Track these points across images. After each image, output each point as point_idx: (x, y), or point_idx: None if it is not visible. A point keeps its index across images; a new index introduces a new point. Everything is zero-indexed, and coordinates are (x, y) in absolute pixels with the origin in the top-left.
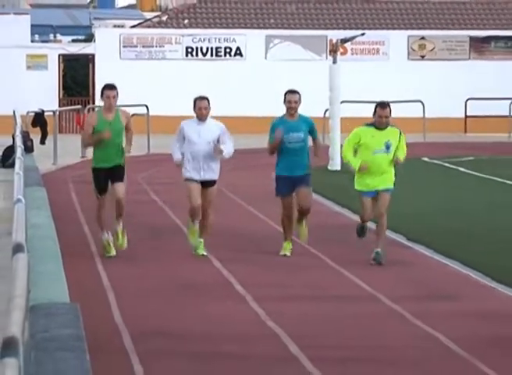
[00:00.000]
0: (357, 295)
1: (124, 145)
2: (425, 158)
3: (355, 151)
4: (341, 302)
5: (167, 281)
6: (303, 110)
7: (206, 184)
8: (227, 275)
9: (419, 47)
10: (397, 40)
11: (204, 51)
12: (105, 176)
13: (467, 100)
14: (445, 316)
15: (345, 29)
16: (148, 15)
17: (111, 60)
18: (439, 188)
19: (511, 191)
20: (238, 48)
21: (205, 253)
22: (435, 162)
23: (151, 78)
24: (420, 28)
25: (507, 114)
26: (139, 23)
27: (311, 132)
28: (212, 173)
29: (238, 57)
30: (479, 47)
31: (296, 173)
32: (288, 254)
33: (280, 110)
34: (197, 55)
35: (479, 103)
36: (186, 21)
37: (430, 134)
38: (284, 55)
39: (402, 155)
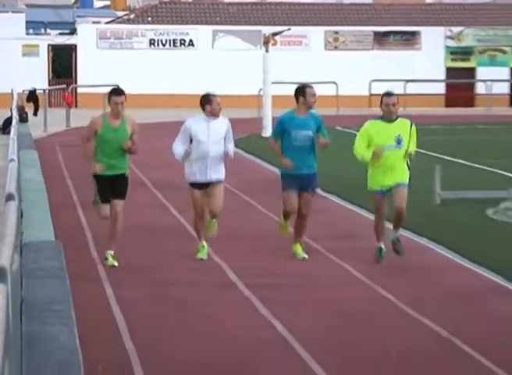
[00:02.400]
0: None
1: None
2: (338, 128)
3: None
4: (267, 239)
5: (134, 226)
6: (242, 89)
7: (213, 183)
8: (183, 222)
9: (333, 40)
10: (316, 34)
11: (164, 42)
12: (107, 184)
13: (371, 81)
14: (351, 250)
15: (275, 25)
16: (120, 13)
17: (89, 49)
18: (350, 150)
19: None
20: (191, 40)
21: (205, 257)
22: (346, 130)
23: (122, 64)
24: (334, 25)
25: (403, 92)
26: (112, 20)
27: (319, 129)
28: (219, 173)
29: (191, 47)
30: (381, 40)
31: (303, 172)
32: (306, 257)
33: (220, 88)
34: (158, 45)
35: (380, 84)
36: (149, 18)
37: (342, 109)
38: (227, 46)
39: (413, 148)
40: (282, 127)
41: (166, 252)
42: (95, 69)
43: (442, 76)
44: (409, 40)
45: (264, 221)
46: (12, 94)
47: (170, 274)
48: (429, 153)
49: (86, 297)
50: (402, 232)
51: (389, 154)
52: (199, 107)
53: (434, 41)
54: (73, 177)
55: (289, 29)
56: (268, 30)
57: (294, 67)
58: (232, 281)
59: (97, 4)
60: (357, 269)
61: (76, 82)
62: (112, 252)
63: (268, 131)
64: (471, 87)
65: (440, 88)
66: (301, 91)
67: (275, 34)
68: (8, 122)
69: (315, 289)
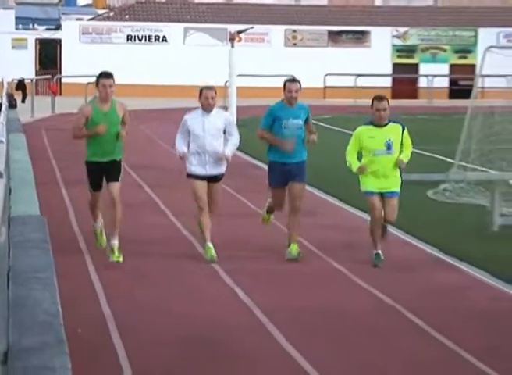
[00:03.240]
0: (245, 212)
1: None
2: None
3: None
4: (236, 219)
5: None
6: (209, 79)
7: (212, 180)
8: (155, 198)
9: (292, 37)
10: (277, 32)
11: (140, 38)
12: (100, 171)
13: (326, 75)
14: (308, 227)
15: (240, 23)
16: (100, 11)
17: (73, 43)
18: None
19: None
20: (164, 36)
21: (215, 257)
22: None
23: (102, 57)
24: (293, 24)
25: (353, 85)
26: (93, 17)
27: (307, 119)
28: (219, 167)
29: (164, 42)
30: (334, 38)
31: (291, 160)
32: (297, 256)
33: (190, 79)
34: (134, 40)
35: (334, 77)
36: (127, 16)
37: (300, 99)
38: (197, 42)
39: (405, 157)
40: (272, 117)
41: (142, 226)
42: (78, 62)
43: (389, 71)
44: (360, 38)
45: (232, 200)
46: (2, 82)
47: (146, 246)
48: None
49: (67, 266)
50: None
51: (380, 159)
52: (172, 96)
53: (382, 39)
54: (57, 158)
55: (252, 27)
56: (233, 28)
57: (257, 62)
58: (199, 253)
59: (80, 2)
60: (312, 243)
61: (60, 72)
62: (116, 243)
63: (233, 118)
64: (415, 81)
65: (387, 82)
66: (283, 84)
67: (240, 32)
68: None
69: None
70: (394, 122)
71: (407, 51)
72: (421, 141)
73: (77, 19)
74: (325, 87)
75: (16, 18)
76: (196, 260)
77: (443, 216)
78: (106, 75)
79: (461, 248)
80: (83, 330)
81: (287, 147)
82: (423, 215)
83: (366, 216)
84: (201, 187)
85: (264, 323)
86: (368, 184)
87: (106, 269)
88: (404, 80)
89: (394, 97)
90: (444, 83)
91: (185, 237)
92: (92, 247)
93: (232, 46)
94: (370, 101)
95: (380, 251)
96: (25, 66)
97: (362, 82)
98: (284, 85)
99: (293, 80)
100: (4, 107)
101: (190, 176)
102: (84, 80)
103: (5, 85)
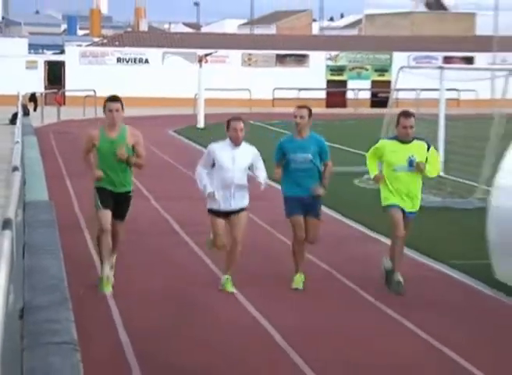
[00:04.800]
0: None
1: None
2: (251, 121)
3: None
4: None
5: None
6: (182, 93)
7: (234, 212)
8: (140, 186)
9: (248, 59)
10: (235, 55)
11: (127, 60)
12: (111, 197)
13: (274, 89)
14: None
15: (207, 48)
16: (96, 39)
17: (74, 64)
18: (262, 138)
19: None
20: (146, 59)
21: (234, 290)
22: (257, 123)
23: (97, 75)
24: (248, 49)
25: (296, 97)
26: (90, 44)
27: (321, 154)
28: (243, 200)
29: (146, 64)
30: (281, 60)
31: (305, 194)
32: (300, 287)
33: (168, 93)
34: (123, 62)
35: (281, 91)
36: (117, 43)
37: (254, 108)
38: (172, 63)
39: (431, 173)
40: (281, 151)
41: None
42: (78, 79)
43: (324, 85)
44: (301, 60)
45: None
46: (18, 96)
47: (136, 225)
48: None
49: (70, 241)
50: None
51: (401, 176)
52: (153, 106)
53: (318, 61)
54: (62, 156)
55: (216, 51)
56: (201, 52)
57: (220, 78)
58: (175, 230)
59: (79, 32)
60: (262, 220)
61: (64, 87)
62: (108, 271)
63: (201, 123)
64: (344, 93)
65: (322, 94)
66: (294, 112)
67: (206, 55)
68: (15, 116)
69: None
70: (419, 139)
71: (338, 70)
72: (348, 140)
73: (77, 45)
74: (274, 99)
75: (29, 45)
76: (178, 245)
77: (367, 199)
78: (113, 99)
79: (382, 225)
80: (84, 292)
81: (276, 177)
82: (351, 198)
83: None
84: (221, 226)
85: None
86: (391, 199)
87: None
88: (336, 93)
89: (328, 106)
90: (367, 95)
91: (166, 220)
92: (90, 224)
93: (201, 66)
94: (314, 110)
95: (399, 275)
96: (36, 82)
97: (303, 94)
98: (294, 112)
99: (302, 106)
100: (19, 115)
101: (211, 212)
102: (83, 94)
103: (20, 98)
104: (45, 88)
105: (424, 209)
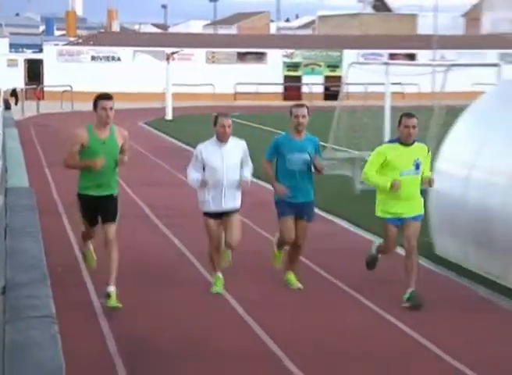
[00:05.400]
0: (178, 182)
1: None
2: (214, 114)
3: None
4: (169, 186)
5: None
6: (151, 88)
7: (227, 213)
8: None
9: (212, 57)
10: (200, 53)
11: (101, 58)
12: (94, 206)
13: (236, 84)
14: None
15: (174, 47)
16: (72, 39)
17: (52, 62)
18: None
19: (261, 131)
20: (118, 57)
21: (222, 291)
22: None
23: (73, 72)
24: (212, 47)
25: (256, 91)
26: (67, 43)
27: (316, 152)
28: (235, 201)
29: (118, 61)
30: (242, 57)
31: (299, 200)
32: (301, 286)
33: (138, 88)
34: (97, 60)
35: (242, 86)
36: (91, 42)
37: (217, 101)
38: (142, 60)
39: (429, 174)
40: (276, 150)
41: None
42: (55, 75)
43: (281, 81)
44: (260, 57)
45: (165, 173)
46: (0, 91)
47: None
48: (269, 129)
49: (49, 224)
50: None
51: (407, 179)
52: (124, 100)
53: (275, 58)
54: (42, 146)
55: (182, 50)
56: (169, 50)
57: (186, 74)
58: (143, 209)
59: (57, 33)
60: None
61: (42, 83)
62: (113, 289)
63: (169, 115)
64: (299, 88)
65: (280, 89)
66: (290, 111)
67: (173, 53)
68: None
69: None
70: (418, 142)
71: (294, 66)
72: (309, 131)
73: (55, 45)
74: (236, 93)
75: (10, 44)
76: (143, 218)
77: (320, 184)
78: (106, 96)
79: (333, 206)
80: (61, 270)
81: (280, 194)
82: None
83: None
84: (216, 227)
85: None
86: (389, 209)
87: (79, 226)
88: (292, 87)
89: (285, 99)
90: (320, 89)
91: (137, 203)
92: (68, 210)
93: (168, 63)
94: (268, 102)
95: (414, 288)
96: (17, 78)
97: (262, 89)
98: (291, 111)
99: (301, 105)
100: (1, 109)
101: (206, 214)
102: (60, 89)
103: (2, 93)
104: (25, 84)
105: (371, 192)
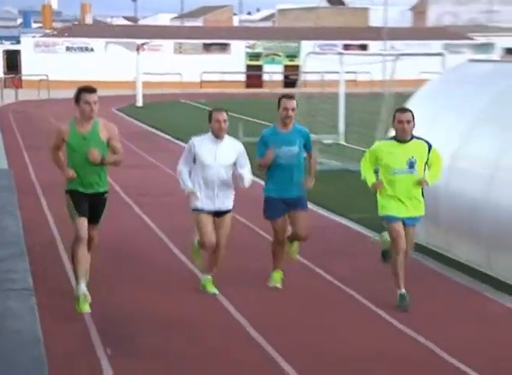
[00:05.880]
0: (146, 164)
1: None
2: (182, 100)
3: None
4: (142, 168)
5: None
6: (123, 77)
7: (219, 214)
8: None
9: (179, 47)
10: (168, 44)
11: (75, 48)
12: (85, 198)
13: (202, 72)
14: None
15: (143, 38)
16: (48, 31)
17: (29, 53)
18: (192, 114)
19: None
20: (92, 48)
21: (216, 291)
22: (188, 102)
23: (49, 62)
24: (179, 38)
25: (220, 79)
26: (43, 35)
27: (306, 145)
28: (227, 201)
29: (92, 52)
30: (207, 48)
31: (289, 195)
32: (279, 286)
33: (112, 77)
34: (71, 50)
35: (208, 74)
36: (66, 34)
37: (184, 89)
38: (114, 51)
39: (432, 177)
40: (265, 145)
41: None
42: (32, 65)
43: (244, 70)
44: (224, 48)
45: (136, 155)
46: None
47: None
48: (233, 114)
49: (27, 204)
50: None
51: (400, 179)
52: (97, 88)
53: (238, 49)
54: (20, 131)
55: (151, 41)
56: (139, 41)
57: (155, 64)
58: (116, 190)
59: (34, 25)
60: None
61: (21, 72)
62: (84, 289)
63: (140, 102)
64: (260, 76)
65: (242, 77)
66: (278, 102)
67: (143, 44)
68: None
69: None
70: (418, 138)
71: (255, 56)
72: (266, 115)
73: (32, 37)
74: (201, 81)
75: None
76: (114, 194)
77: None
78: (90, 89)
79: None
80: (38, 246)
81: (268, 161)
82: None
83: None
84: (209, 223)
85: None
86: (389, 208)
87: (54, 202)
88: (253, 76)
89: (247, 87)
90: (280, 77)
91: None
92: (45, 190)
93: (138, 54)
94: (231, 89)
95: (404, 291)
96: None
97: (226, 77)
98: (279, 102)
99: (290, 96)
100: None
101: (196, 210)
102: (37, 78)
103: None
104: (4, 73)
105: (328, 172)
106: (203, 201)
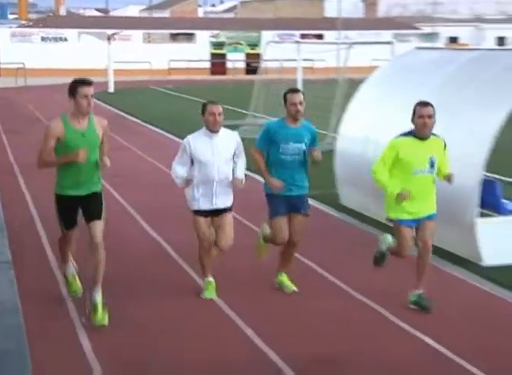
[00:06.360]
0: (118, 146)
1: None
2: (151, 87)
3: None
4: (120, 151)
5: (25, 143)
6: (95, 65)
7: (218, 212)
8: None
9: (148, 37)
10: (137, 34)
11: (50, 38)
12: (75, 206)
13: (170, 60)
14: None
15: (114, 29)
16: (24, 22)
17: (6, 43)
18: (160, 99)
19: (191, 101)
20: (65, 37)
21: (214, 296)
22: (156, 88)
23: (26, 51)
24: (148, 29)
25: (187, 66)
26: (19, 26)
27: (312, 142)
28: (227, 199)
29: (65, 41)
30: (174, 38)
31: (293, 193)
32: (295, 288)
33: (85, 64)
34: (46, 40)
35: (175, 62)
36: (41, 25)
37: (154, 77)
38: (87, 41)
39: (441, 174)
40: (269, 138)
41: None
42: (10, 54)
43: (208, 58)
44: (190, 38)
45: (111, 139)
46: None
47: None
48: (199, 99)
49: (5, 183)
50: None
51: (418, 180)
52: (71, 76)
53: (203, 38)
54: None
55: (122, 31)
56: (110, 31)
57: (126, 52)
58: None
59: (10, 17)
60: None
61: None
62: (99, 299)
63: (111, 88)
64: (224, 64)
65: (207, 65)
66: (284, 97)
67: (114, 34)
68: None
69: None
70: (434, 135)
71: (219, 45)
72: (229, 100)
73: (9, 27)
74: (169, 69)
75: None
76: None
77: (244, 145)
78: (87, 82)
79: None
80: (18, 224)
81: (274, 189)
82: None
83: None
84: (207, 226)
85: None
86: (401, 212)
87: (34, 184)
88: (217, 64)
89: (212, 74)
90: (242, 65)
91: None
92: (24, 171)
93: (109, 43)
94: (196, 76)
95: (422, 289)
96: None
97: (192, 65)
98: (285, 97)
99: (297, 90)
100: None
101: (195, 212)
102: (15, 66)
103: None
104: None
105: None
106: (201, 202)
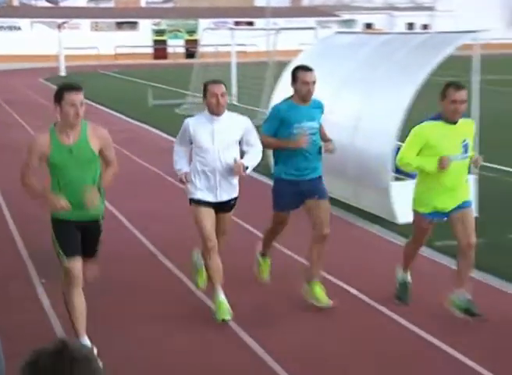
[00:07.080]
0: None
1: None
2: (100, 71)
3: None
4: None
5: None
6: (48, 51)
7: (222, 206)
8: (21, 121)
9: (95, 26)
10: (86, 23)
11: (5, 27)
12: (75, 229)
13: (116, 47)
14: None
15: (64, 18)
16: None
17: None
18: (108, 83)
19: (135, 83)
20: (19, 27)
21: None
22: (104, 72)
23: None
24: (95, 18)
25: (132, 52)
26: None
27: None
28: (232, 190)
29: (19, 30)
30: (119, 26)
31: (306, 177)
32: (331, 302)
33: (38, 50)
34: (1, 29)
35: (121, 48)
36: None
37: (101, 61)
38: (39, 30)
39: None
40: (279, 120)
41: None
42: None
43: (151, 44)
44: (133, 26)
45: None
46: None
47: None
48: (145, 82)
49: None
50: None
51: (454, 166)
52: (25, 61)
53: (146, 27)
54: None
55: (71, 20)
56: (60, 21)
57: (76, 39)
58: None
59: None
60: None
61: None
62: (88, 343)
63: (63, 73)
64: (165, 49)
65: (150, 50)
66: (293, 75)
67: (63, 23)
68: None
69: None
70: (464, 118)
71: (160, 32)
72: (174, 83)
73: None
74: (116, 54)
75: None
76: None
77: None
78: (75, 87)
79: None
80: None
81: (302, 144)
82: (177, 126)
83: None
84: (209, 218)
85: None
86: (427, 204)
87: (4, 180)
88: (159, 49)
89: (154, 58)
90: (181, 50)
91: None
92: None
93: (60, 31)
94: (141, 61)
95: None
96: None
97: (137, 50)
98: (294, 74)
99: (309, 68)
100: None
101: (194, 202)
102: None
103: None
104: None
105: (162, 107)
106: (203, 192)
